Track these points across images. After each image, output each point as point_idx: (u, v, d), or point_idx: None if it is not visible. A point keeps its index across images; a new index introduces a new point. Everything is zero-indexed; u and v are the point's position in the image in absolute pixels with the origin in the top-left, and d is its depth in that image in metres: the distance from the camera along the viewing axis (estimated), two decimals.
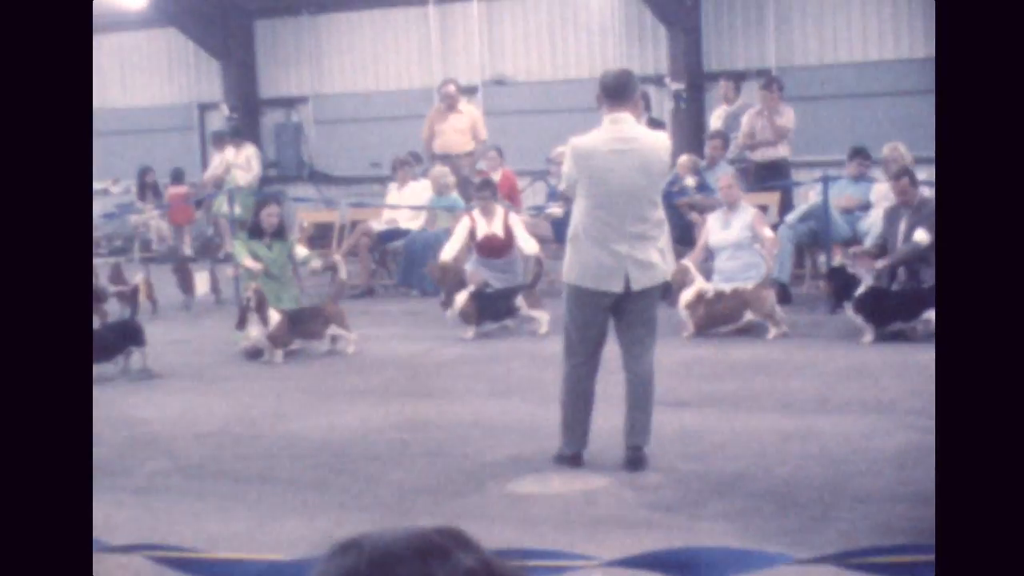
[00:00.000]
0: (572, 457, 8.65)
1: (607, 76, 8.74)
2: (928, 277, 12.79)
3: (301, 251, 14.15)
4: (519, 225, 14.89)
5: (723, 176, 14.92)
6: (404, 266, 17.52)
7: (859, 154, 16.28)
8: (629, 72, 8.95)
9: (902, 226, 13.18)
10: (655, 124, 17.25)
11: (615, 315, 8.64)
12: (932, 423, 9.11)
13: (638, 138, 8.58)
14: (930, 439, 8.76)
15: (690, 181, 16.65)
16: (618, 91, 8.59)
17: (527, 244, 14.62)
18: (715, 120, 18.51)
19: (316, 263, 14.31)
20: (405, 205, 18.13)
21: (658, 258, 8.55)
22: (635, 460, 8.50)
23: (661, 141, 8.81)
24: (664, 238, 8.68)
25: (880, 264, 12.85)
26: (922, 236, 12.88)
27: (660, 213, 8.68)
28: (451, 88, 18.81)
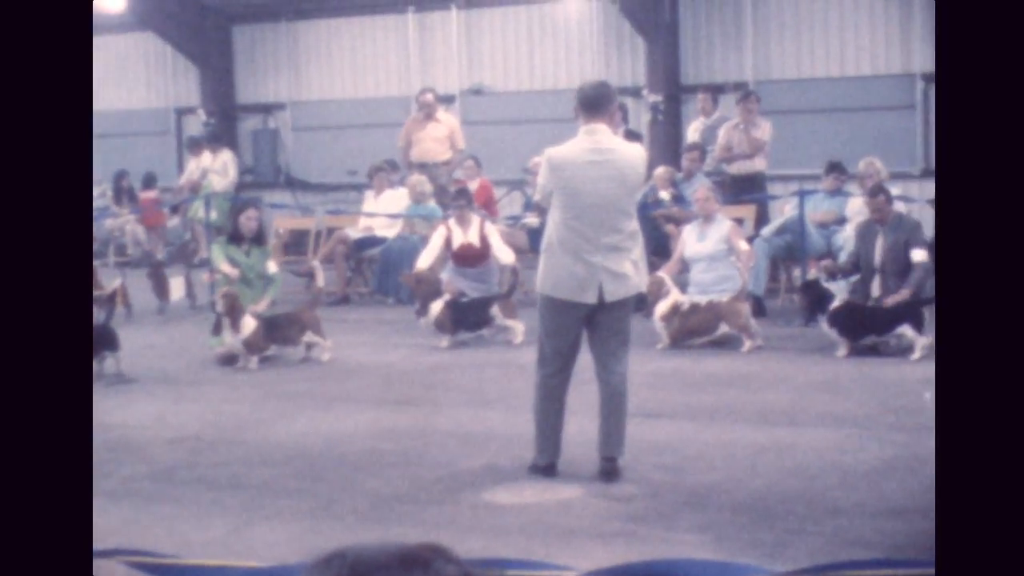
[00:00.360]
0: (545, 467, 8.64)
1: (584, 87, 8.74)
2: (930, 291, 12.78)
3: (272, 267, 13.98)
4: (495, 235, 14.90)
5: (700, 188, 14.93)
6: (380, 274, 17.50)
7: (835, 169, 16.34)
8: (607, 84, 8.94)
9: (879, 242, 13.20)
10: (632, 136, 17.30)
11: (588, 326, 8.63)
12: (905, 437, 9.21)
13: (614, 149, 8.55)
14: (903, 453, 8.84)
15: (665, 194, 16.69)
16: (595, 102, 8.57)
17: (503, 254, 14.64)
18: (692, 132, 18.54)
19: (265, 302, 13.80)
20: (381, 213, 18.13)
21: (631, 270, 8.53)
22: (609, 471, 8.49)
23: (637, 153, 8.76)
24: (638, 250, 8.66)
25: (905, 293, 12.77)
26: (921, 256, 12.92)
27: (634, 224, 8.65)
28: (429, 97, 18.82)
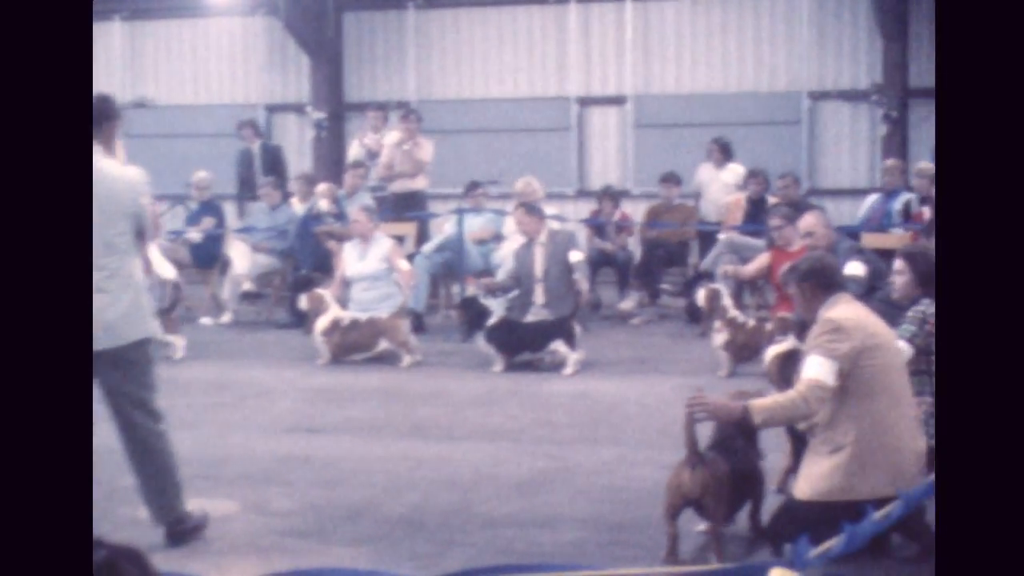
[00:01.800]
0: None
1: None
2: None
3: None
4: (154, 250, 14.71)
5: (353, 212, 15.04)
6: None
7: (474, 186, 16.81)
8: (106, 98, 7.59)
9: (537, 254, 13.68)
10: (268, 150, 17.56)
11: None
12: (557, 450, 9.51)
13: (96, 171, 7.10)
14: (554, 465, 9.13)
15: (324, 203, 16.74)
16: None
17: (163, 269, 14.45)
18: (355, 149, 18.66)
19: None
20: None
21: (115, 317, 7.19)
22: (177, 535, 7.56)
23: (126, 177, 7.56)
24: (132, 294, 7.30)
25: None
26: (577, 256, 13.58)
27: (126, 263, 7.32)
28: None
